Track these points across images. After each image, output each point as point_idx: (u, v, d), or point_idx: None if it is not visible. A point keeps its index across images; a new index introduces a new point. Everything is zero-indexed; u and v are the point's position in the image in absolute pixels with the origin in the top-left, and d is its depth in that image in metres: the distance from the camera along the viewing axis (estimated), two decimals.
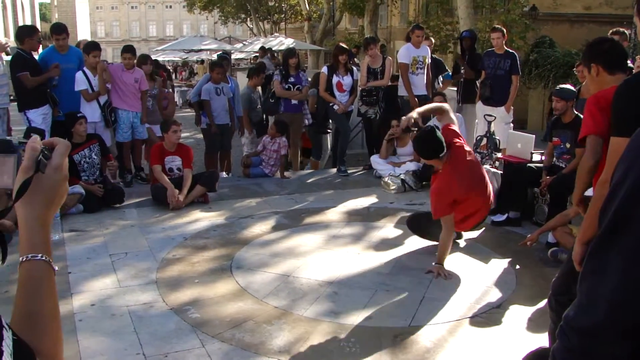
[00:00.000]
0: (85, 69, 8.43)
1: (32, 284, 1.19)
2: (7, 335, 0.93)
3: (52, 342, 1.16)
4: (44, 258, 1.22)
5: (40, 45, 8.80)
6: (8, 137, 1.24)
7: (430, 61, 9.94)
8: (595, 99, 3.44)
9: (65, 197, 1.30)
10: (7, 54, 8.19)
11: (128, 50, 9.03)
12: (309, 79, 10.46)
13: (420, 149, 5.53)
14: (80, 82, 8.37)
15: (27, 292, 1.18)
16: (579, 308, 1.15)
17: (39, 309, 1.17)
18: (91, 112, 8.39)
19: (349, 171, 9.76)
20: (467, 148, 5.63)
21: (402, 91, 9.79)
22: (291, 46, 21.86)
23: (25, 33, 8.25)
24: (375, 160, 9.32)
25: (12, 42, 8.77)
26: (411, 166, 8.79)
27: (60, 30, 8.56)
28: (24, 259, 1.21)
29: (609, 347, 1.08)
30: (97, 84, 8.47)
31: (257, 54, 21.90)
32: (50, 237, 1.27)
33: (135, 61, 9.13)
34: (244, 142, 10.45)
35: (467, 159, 5.52)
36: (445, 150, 5.35)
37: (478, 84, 9.78)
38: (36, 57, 8.49)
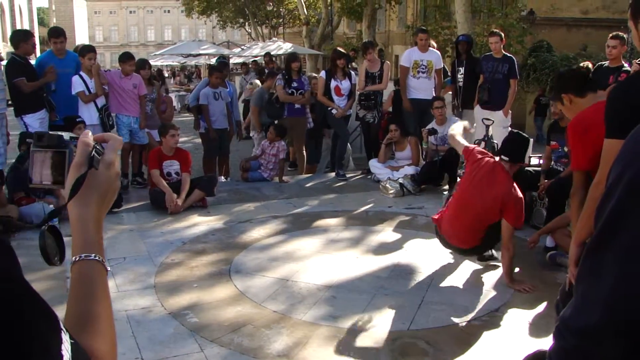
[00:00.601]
0: (81, 72, 8.44)
1: (87, 285, 1.15)
2: (66, 339, 0.91)
3: (107, 344, 1.11)
4: (97, 258, 1.18)
5: (37, 50, 8.80)
6: (60, 133, 1.20)
7: (441, 66, 9.97)
8: (572, 126, 3.65)
9: (116, 194, 1.26)
10: (0, 59, 8.19)
11: (130, 57, 9.05)
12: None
13: (516, 150, 5.47)
14: (77, 84, 8.38)
15: (81, 293, 1.14)
16: (575, 308, 1.16)
17: (94, 310, 1.12)
18: (89, 115, 8.40)
19: (347, 175, 9.77)
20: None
21: (411, 94, 9.84)
22: (290, 50, 21.90)
23: (20, 38, 8.25)
24: (374, 164, 9.32)
25: (9, 47, 8.76)
26: (409, 170, 8.79)
27: (57, 34, 8.57)
28: (77, 259, 1.16)
29: (604, 347, 1.08)
30: (94, 87, 8.48)
31: (256, 59, 21.96)
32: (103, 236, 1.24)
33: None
34: (253, 137, 10.47)
35: None
36: None
37: (478, 89, 9.76)
38: (32, 62, 8.49)
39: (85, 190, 1.16)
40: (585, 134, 3.50)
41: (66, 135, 1.20)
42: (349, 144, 10.54)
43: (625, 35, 8.08)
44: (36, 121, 8.08)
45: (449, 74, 11.00)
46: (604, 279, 1.09)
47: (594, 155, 3.43)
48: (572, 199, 3.74)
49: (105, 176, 1.21)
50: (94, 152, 1.18)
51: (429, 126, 9.05)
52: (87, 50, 8.80)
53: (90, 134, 1.21)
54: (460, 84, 10.09)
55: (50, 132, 1.19)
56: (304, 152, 10.27)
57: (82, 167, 1.17)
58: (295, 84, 9.81)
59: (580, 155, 3.60)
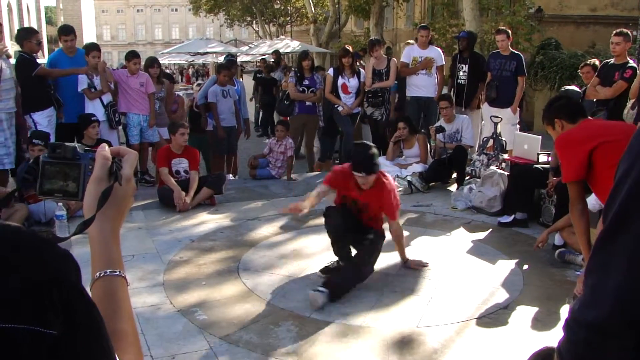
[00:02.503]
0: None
1: (114, 302, 1.14)
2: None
3: (135, 358, 1.12)
4: (121, 274, 1.18)
5: (46, 49, 8.83)
6: (74, 144, 1.19)
7: (442, 63, 9.96)
8: (557, 143, 4.01)
9: (129, 208, 1.26)
10: (8, 57, 8.22)
11: (134, 55, 9.07)
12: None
13: (364, 162, 5.10)
14: (83, 81, 8.43)
15: (108, 310, 1.11)
16: (585, 302, 1.16)
17: (121, 327, 1.12)
18: (94, 111, 8.45)
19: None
20: None
21: (409, 92, 9.84)
22: (297, 49, 21.91)
23: (22, 36, 8.29)
24: (381, 162, 9.30)
25: (16, 45, 8.79)
26: (418, 168, 8.78)
27: (68, 31, 8.62)
28: (102, 274, 1.16)
29: (615, 340, 1.09)
30: (99, 84, 8.52)
31: (264, 57, 21.96)
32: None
33: (140, 65, 9.20)
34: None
35: None
36: None
37: (485, 86, 9.72)
38: (41, 61, 8.52)
39: (106, 204, 1.16)
40: (567, 149, 3.82)
41: (79, 147, 1.19)
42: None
43: (631, 32, 8.06)
44: (45, 119, 8.10)
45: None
46: (614, 273, 1.10)
47: (578, 166, 3.72)
48: (570, 210, 3.97)
49: (123, 191, 1.21)
50: (115, 167, 1.18)
51: (437, 124, 9.04)
52: (91, 48, 8.85)
53: (107, 147, 1.21)
54: (461, 81, 10.03)
55: (66, 144, 1.18)
56: (314, 149, 10.28)
57: (103, 181, 1.17)
58: (306, 82, 9.85)
59: (567, 168, 3.96)
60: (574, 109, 4.09)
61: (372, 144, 5.37)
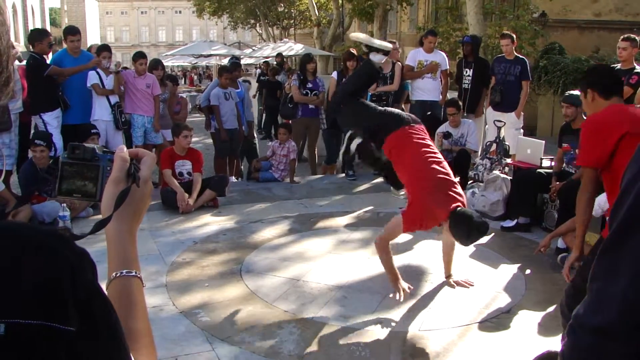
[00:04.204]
0: (98, 69, 8.49)
1: (130, 302, 1.15)
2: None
3: (149, 358, 1.12)
4: (137, 274, 1.19)
5: (52, 50, 8.86)
6: (93, 145, 1.21)
7: (447, 67, 9.98)
8: (585, 125, 3.75)
9: (146, 210, 1.27)
10: (20, 60, 8.24)
11: (140, 56, 9.09)
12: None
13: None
14: (92, 77, 8.45)
15: (124, 310, 1.12)
16: (590, 306, 1.16)
17: (136, 327, 1.13)
18: (101, 111, 8.47)
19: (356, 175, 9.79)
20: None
21: (416, 95, 9.86)
22: (301, 52, 21.91)
23: (34, 37, 8.32)
24: None
25: (22, 46, 8.81)
26: None
27: (74, 31, 8.66)
28: (119, 274, 1.17)
29: (620, 345, 1.09)
30: (108, 84, 8.54)
31: (267, 60, 21.95)
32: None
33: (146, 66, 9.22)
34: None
35: None
36: None
37: (489, 90, 9.72)
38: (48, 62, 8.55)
39: (123, 205, 1.17)
40: (596, 134, 3.55)
41: (98, 148, 1.21)
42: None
43: (637, 38, 8.03)
44: (54, 120, 8.14)
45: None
46: (620, 278, 1.10)
47: (600, 155, 3.49)
48: (579, 197, 3.76)
49: (141, 193, 1.22)
50: (133, 168, 1.19)
51: (444, 129, 9.02)
52: (102, 49, 8.92)
53: (125, 149, 1.22)
54: (465, 86, 10.03)
55: (85, 145, 1.20)
56: (316, 152, 10.29)
57: (121, 182, 1.18)
58: (310, 85, 9.89)
59: (589, 152, 3.66)
60: (610, 85, 3.81)
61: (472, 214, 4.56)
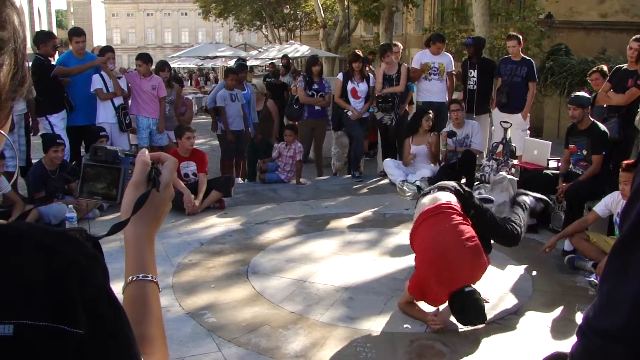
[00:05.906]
0: (102, 72, 8.51)
1: (144, 306, 1.15)
2: None
3: None
4: (154, 279, 1.19)
5: (57, 52, 8.90)
6: (115, 148, 1.21)
7: (452, 69, 9.98)
8: None
9: (166, 215, 1.26)
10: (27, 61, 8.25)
11: (140, 57, 9.12)
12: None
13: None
14: (96, 82, 8.47)
15: (138, 314, 1.13)
16: (600, 309, 1.15)
17: (150, 332, 1.12)
18: (105, 113, 8.49)
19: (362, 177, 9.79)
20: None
21: (423, 97, 9.86)
22: (307, 53, 21.92)
23: (41, 39, 8.35)
24: (387, 165, 9.31)
25: (28, 49, 8.86)
26: (426, 172, 8.76)
27: (79, 33, 8.70)
28: (135, 278, 1.17)
29: (631, 348, 1.08)
30: (112, 87, 8.56)
31: (273, 61, 21.98)
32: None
33: (152, 68, 9.23)
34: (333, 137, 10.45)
35: None
36: None
37: (496, 91, 9.70)
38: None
39: (142, 209, 1.17)
40: None
41: (120, 151, 1.21)
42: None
43: None
44: (61, 121, 8.18)
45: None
46: (631, 281, 1.09)
47: None
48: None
49: (161, 197, 1.21)
50: (154, 172, 1.19)
51: (448, 129, 9.02)
52: (105, 50, 8.94)
53: (147, 152, 1.22)
54: (470, 87, 10.02)
55: (107, 147, 1.20)
56: (322, 153, 10.31)
57: (142, 186, 1.18)
58: (315, 86, 9.92)
59: None
60: None
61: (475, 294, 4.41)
